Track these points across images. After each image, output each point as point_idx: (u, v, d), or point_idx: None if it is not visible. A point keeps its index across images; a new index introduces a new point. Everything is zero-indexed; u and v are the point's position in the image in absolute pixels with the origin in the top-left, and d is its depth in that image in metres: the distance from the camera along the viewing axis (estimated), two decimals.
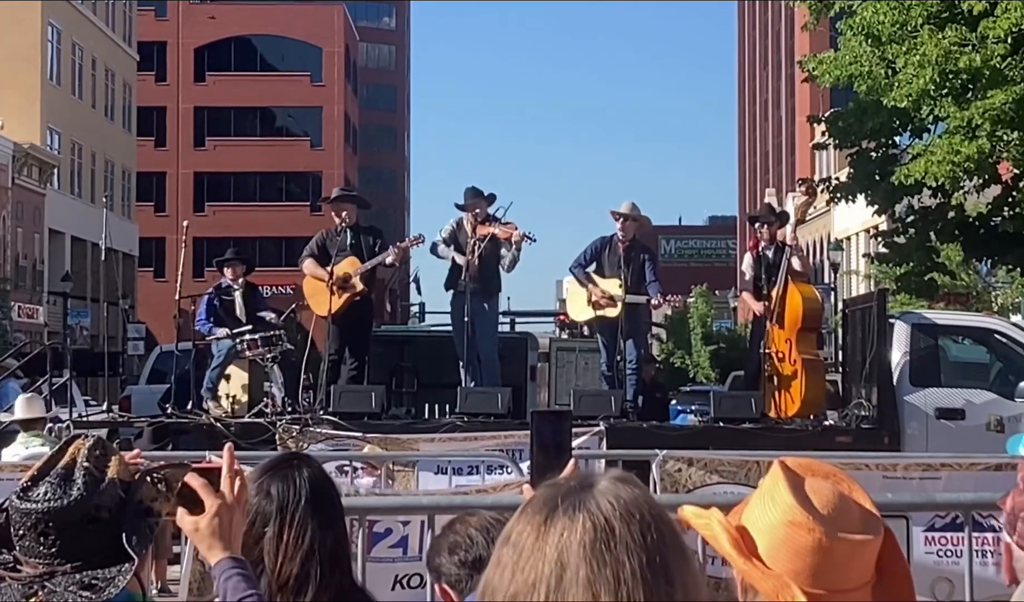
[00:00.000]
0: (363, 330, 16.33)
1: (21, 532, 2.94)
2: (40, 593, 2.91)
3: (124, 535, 2.93)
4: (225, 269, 16.43)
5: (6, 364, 22.71)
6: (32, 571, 2.93)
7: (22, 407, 11.87)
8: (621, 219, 15.76)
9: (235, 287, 16.19)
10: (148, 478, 3.07)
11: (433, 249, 16.07)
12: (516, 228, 15.37)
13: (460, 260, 15.49)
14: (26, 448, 11.30)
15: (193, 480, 3.10)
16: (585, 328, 19.04)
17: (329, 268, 15.46)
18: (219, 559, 3.07)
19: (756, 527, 2.33)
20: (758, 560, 2.32)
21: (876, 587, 2.33)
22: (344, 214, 15.97)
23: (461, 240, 15.67)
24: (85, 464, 2.99)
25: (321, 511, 3.51)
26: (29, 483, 2.99)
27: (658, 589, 1.91)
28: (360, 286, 15.65)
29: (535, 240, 15.51)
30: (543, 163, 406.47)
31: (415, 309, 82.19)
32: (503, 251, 15.49)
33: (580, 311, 16.12)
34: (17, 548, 2.95)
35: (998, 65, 20.98)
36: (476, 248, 15.37)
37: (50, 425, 15.18)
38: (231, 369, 15.75)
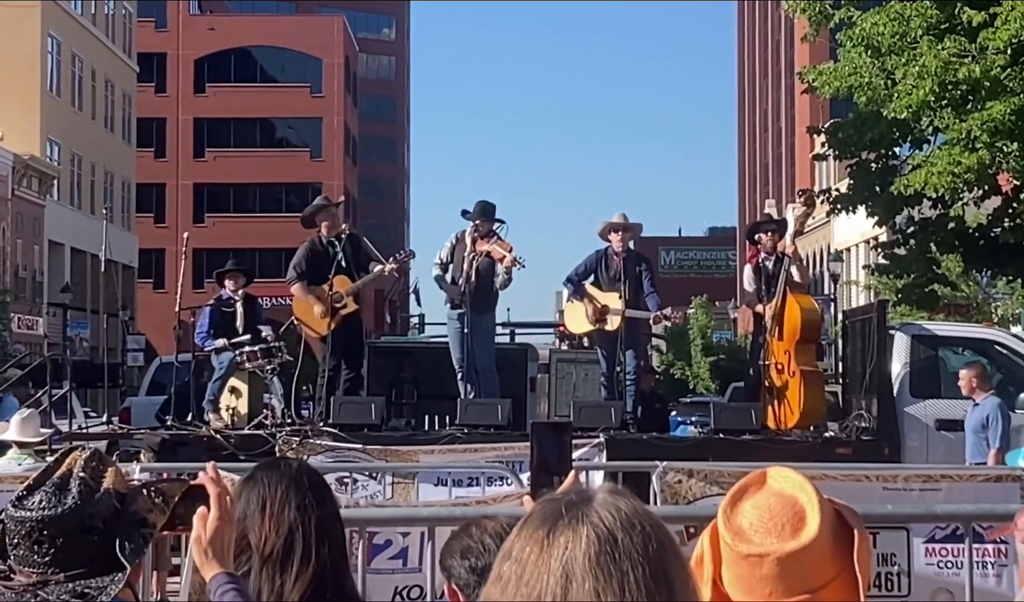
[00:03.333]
0: (356, 340, 16.35)
1: (16, 541, 2.95)
2: (33, 601, 2.91)
3: (118, 544, 2.94)
4: (225, 280, 16.41)
5: (8, 375, 22.71)
6: (25, 580, 2.93)
7: (17, 429, 11.83)
8: (617, 231, 15.74)
9: (236, 298, 16.19)
10: (144, 490, 3.09)
11: (435, 279, 16.09)
12: (511, 250, 15.38)
13: (454, 291, 15.56)
14: (19, 464, 11.30)
15: (209, 484, 3.15)
16: (584, 339, 19.03)
17: (328, 284, 15.40)
18: (215, 574, 3.11)
19: None
20: (716, 569, 2.37)
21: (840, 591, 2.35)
22: (344, 226, 15.93)
23: (459, 253, 15.68)
24: (81, 474, 3.00)
25: (303, 490, 3.54)
26: (25, 492, 3.00)
27: (660, 597, 1.93)
28: (353, 306, 15.62)
29: (524, 266, 15.49)
30: (543, 173, 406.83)
31: (415, 321, 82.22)
32: (498, 269, 15.50)
33: (579, 324, 16.12)
34: (11, 557, 2.96)
35: (998, 76, 20.99)
36: (475, 262, 15.39)
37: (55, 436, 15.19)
38: (231, 381, 15.74)
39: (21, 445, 11.74)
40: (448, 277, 15.81)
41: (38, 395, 19.14)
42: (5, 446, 12.26)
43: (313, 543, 3.46)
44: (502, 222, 15.86)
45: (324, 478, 3.72)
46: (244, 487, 3.55)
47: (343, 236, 15.80)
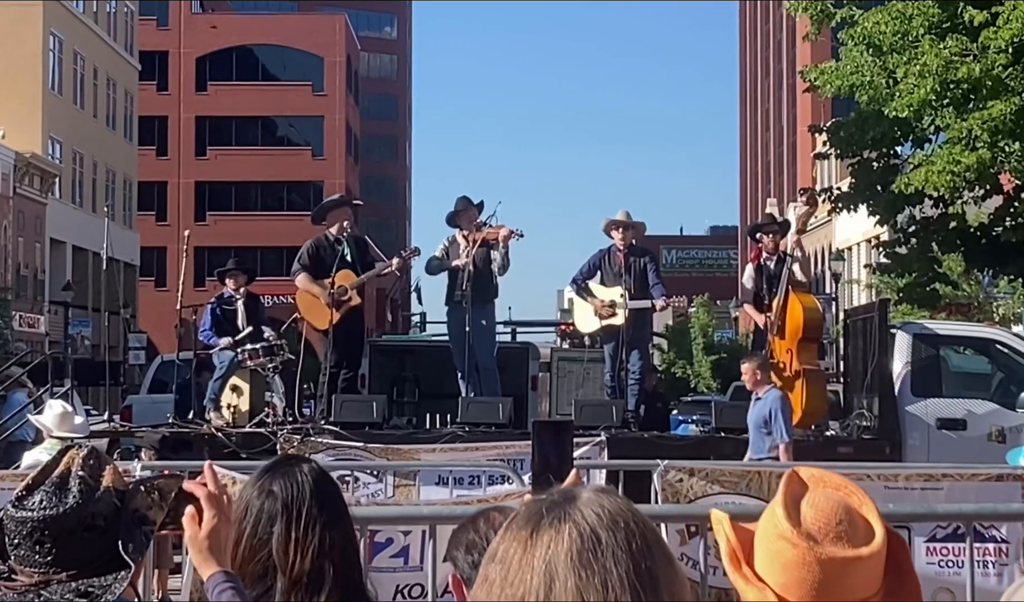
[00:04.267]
0: (357, 338, 16.39)
1: (16, 541, 2.94)
2: (36, 601, 2.91)
3: (120, 542, 2.93)
4: (227, 279, 16.42)
5: (10, 373, 22.72)
6: (27, 580, 2.93)
7: (56, 423, 11.80)
8: (619, 229, 15.77)
9: (237, 297, 16.20)
10: (142, 487, 3.08)
11: (428, 268, 16.10)
12: (502, 227, 15.45)
13: (458, 263, 15.53)
14: (49, 455, 11.28)
15: (197, 488, 3.12)
16: (587, 338, 19.02)
17: (330, 280, 15.41)
18: (212, 572, 3.10)
19: (758, 537, 2.35)
20: (751, 570, 2.33)
21: (884, 598, 2.34)
22: (346, 223, 15.96)
23: (453, 254, 15.71)
24: (80, 473, 3.00)
25: (327, 506, 3.51)
26: (24, 492, 2.99)
27: (645, 595, 1.92)
28: (357, 299, 15.67)
29: (522, 235, 15.53)
30: (545, 172, 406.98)
31: (416, 319, 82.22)
32: (493, 254, 15.51)
33: (587, 323, 16.13)
34: (12, 557, 2.96)
35: (999, 75, 20.98)
36: (471, 257, 15.39)
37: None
38: (232, 379, 15.75)
39: (59, 439, 11.74)
40: (446, 265, 15.81)
41: (39, 393, 19.16)
42: (22, 442, 12.22)
43: (342, 564, 3.46)
44: (483, 205, 15.91)
45: (336, 483, 3.69)
46: (261, 498, 3.50)
47: (348, 235, 15.86)
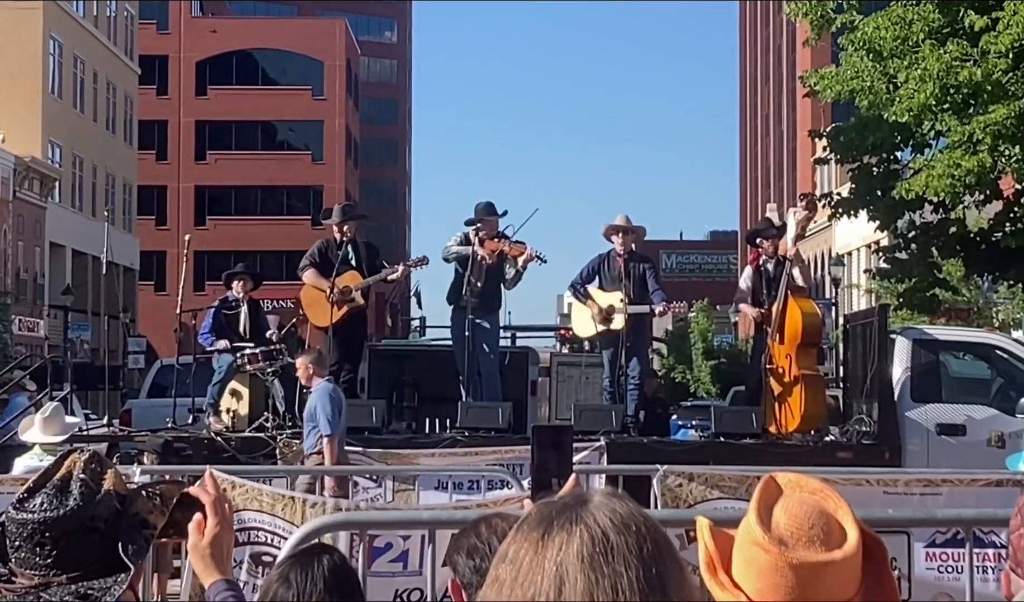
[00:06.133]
0: (358, 342, 16.41)
1: (17, 543, 2.94)
2: None
3: (120, 545, 2.94)
4: (234, 283, 16.42)
5: (10, 376, 22.71)
6: (27, 582, 2.93)
7: (41, 428, 11.73)
8: (620, 233, 15.76)
9: (241, 301, 16.20)
10: (144, 491, 3.08)
11: (446, 255, 15.99)
12: (527, 247, 15.40)
13: (479, 249, 15.46)
14: (40, 460, 11.25)
15: (202, 494, 3.13)
16: (586, 343, 19.01)
17: (331, 279, 15.45)
18: (214, 580, 3.10)
19: (736, 543, 2.36)
20: (727, 576, 2.35)
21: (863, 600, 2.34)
22: (346, 229, 16.00)
23: (465, 257, 15.69)
24: (81, 476, 3.00)
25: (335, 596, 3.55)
26: (25, 494, 2.99)
27: (654, 598, 1.92)
28: (360, 300, 15.71)
29: (545, 261, 15.51)
30: (545, 176, 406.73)
31: (416, 323, 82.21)
32: (507, 267, 15.49)
33: (585, 327, 16.12)
34: (12, 560, 2.95)
35: (1000, 80, 20.99)
36: (483, 262, 15.37)
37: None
38: (232, 383, 15.74)
39: (46, 447, 11.67)
40: (465, 251, 15.73)
41: (39, 397, 19.13)
42: (17, 446, 12.20)
43: None
44: (505, 213, 15.90)
45: (357, 578, 3.73)
46: (278, 583, 3.57)
47: (356, 238, 15.93)
